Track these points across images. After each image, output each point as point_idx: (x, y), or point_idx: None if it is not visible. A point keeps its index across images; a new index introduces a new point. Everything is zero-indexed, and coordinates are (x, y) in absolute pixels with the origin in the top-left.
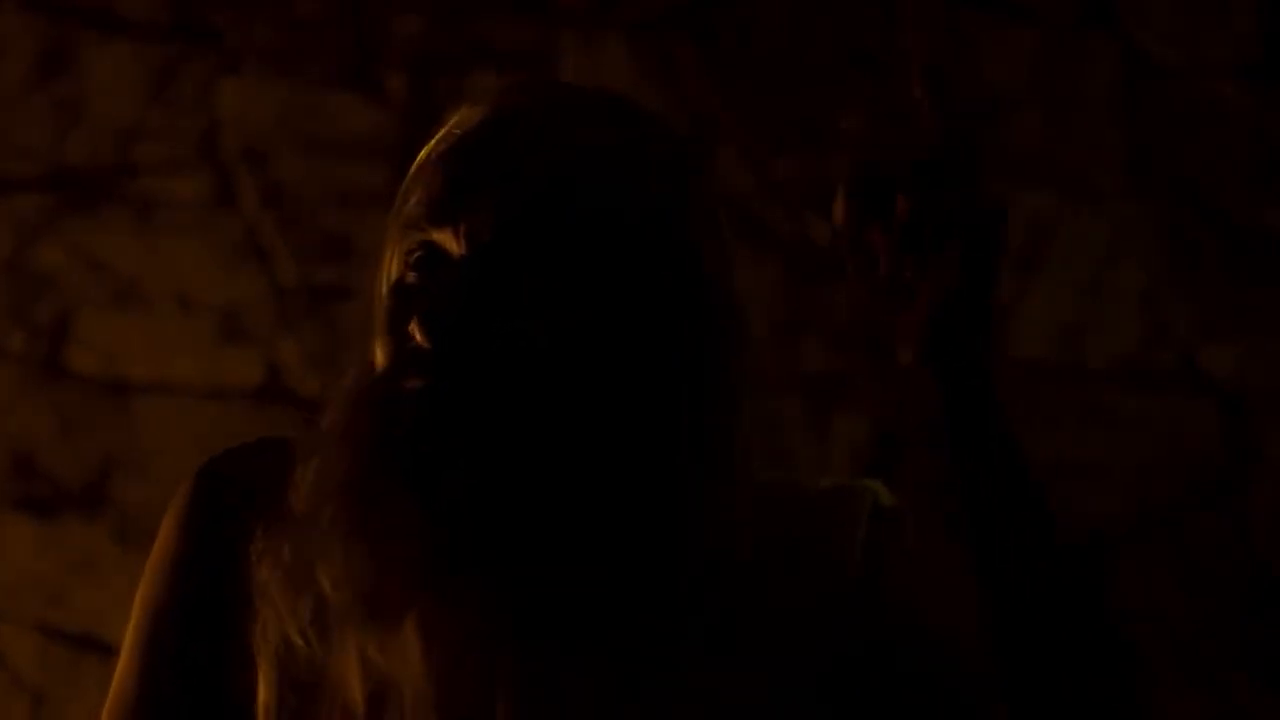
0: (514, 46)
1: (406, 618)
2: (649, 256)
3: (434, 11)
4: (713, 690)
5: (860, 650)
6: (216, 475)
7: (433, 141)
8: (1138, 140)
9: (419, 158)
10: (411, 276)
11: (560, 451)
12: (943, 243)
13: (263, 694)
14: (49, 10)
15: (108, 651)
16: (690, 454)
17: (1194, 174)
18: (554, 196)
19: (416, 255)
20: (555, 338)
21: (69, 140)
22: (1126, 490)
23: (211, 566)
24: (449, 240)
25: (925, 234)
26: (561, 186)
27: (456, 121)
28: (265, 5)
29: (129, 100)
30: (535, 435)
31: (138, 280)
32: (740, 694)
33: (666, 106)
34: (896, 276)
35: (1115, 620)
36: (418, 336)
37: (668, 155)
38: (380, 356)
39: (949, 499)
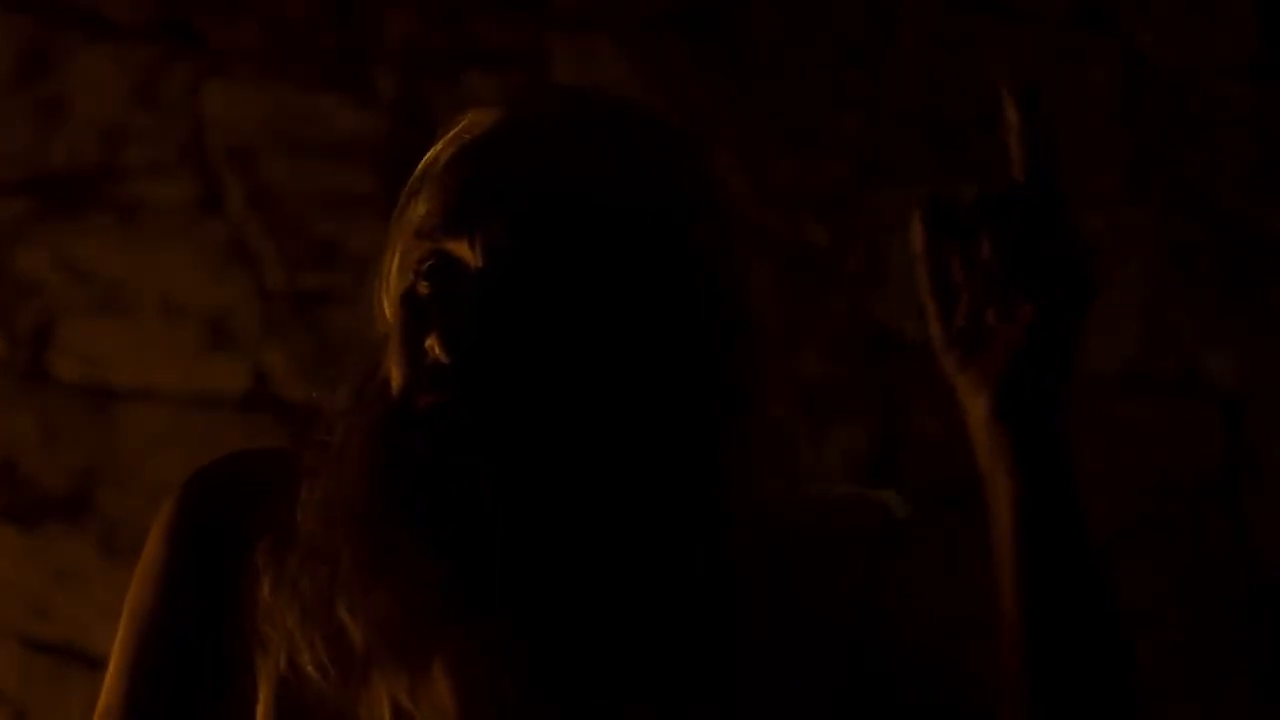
0: (505, 47)
1: (434, 659)
2: (668, 269)
3: (423, 11)
4: (724, 711)
5: (863, 667)
6: (204, 488)
7: (440, 145)
8: (1137, 143)
9: (425, 160)
10: (424, 287)
11: (583, 477)
12: (1028, 286)
13: (260, 716)
14: (31, 11)
15: (91, 663)
16: (712, 482)
17: (1195, 177)
18: (572, 206)
19: (429, 265)
20: (575, 353)
21: (52, 143)
22: (1126, 496)
23: (202, 582)
24: (464, 251)
25: (1010, 275)
26: (579, 196)
27: (465, 126)
28: (251, 5)
29: (113, 102)
30: (555, 459)
31: (122, 286)
32: (748, 713)
33: (660, 108)
34: (976, 321)
35: (1125, 631)
36: (436, 351)
37: (685, 164)
38: (395, 373)
39: (1002, 549)
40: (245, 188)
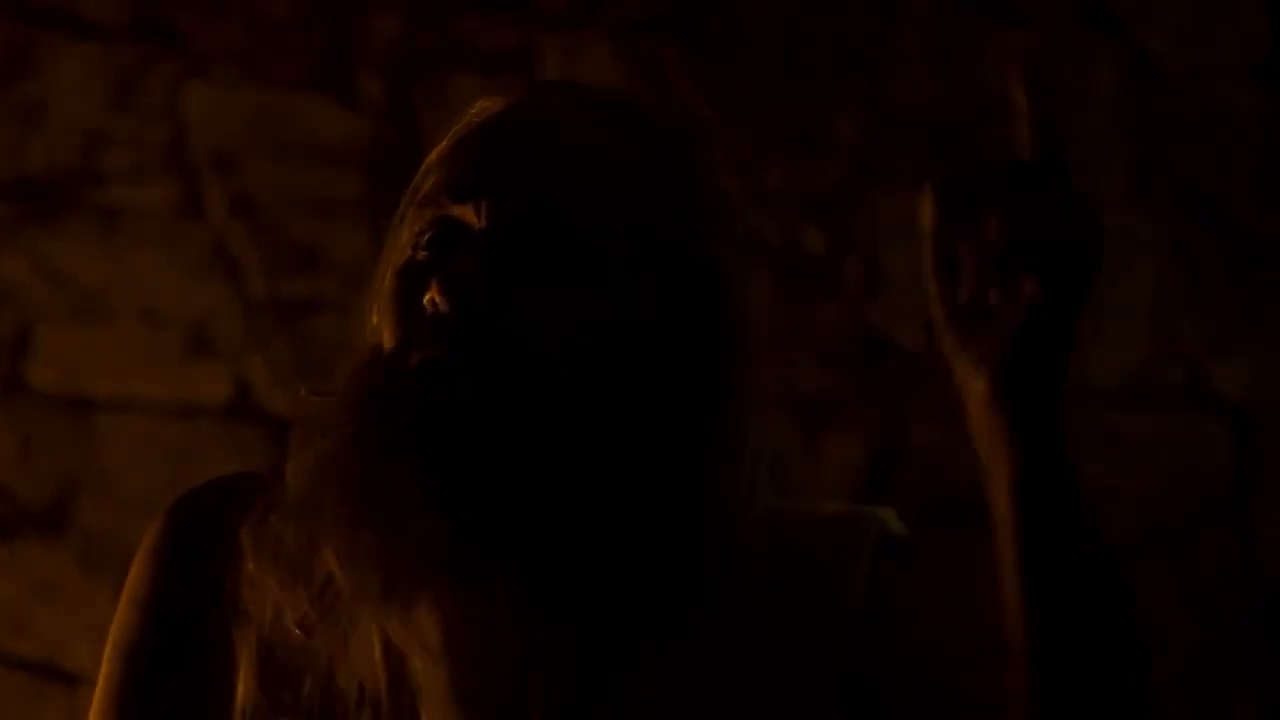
0: (493, 48)
1: (420, 598)
2: (668, 254)
3: (410, 11)
4: (718, 704)
5: (860, 679)
6: (190, 511)
7: (448, 136)
8: (1142, 147)
9: (430, 156)
10: (424, 255)
11: (577, 432)
12: (1033, 263)
13: (241, 695)
14: (9, 12)
15: (68, 679)
16: (704, 443)
17: (1201, 182)
18: (579, 183)
19: (430, 234)
20: (572, 312)
21: (30, 146)
22: (1132, 510)
23: (188, 606)
24: (469, 215)
25: (1016, 253)
26: (586, 174)
27: (476, 111)
28: (233, 6)
29: (92, 105)
30: (551, 413)
31: (101, 293)
32: (742, 712)
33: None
34: (980, 299)
35: (1144, 634)
36: (437, 301)
37: (691, 162)
38: (387, 336)
39: (1002, 534)
40: (227, 192)
